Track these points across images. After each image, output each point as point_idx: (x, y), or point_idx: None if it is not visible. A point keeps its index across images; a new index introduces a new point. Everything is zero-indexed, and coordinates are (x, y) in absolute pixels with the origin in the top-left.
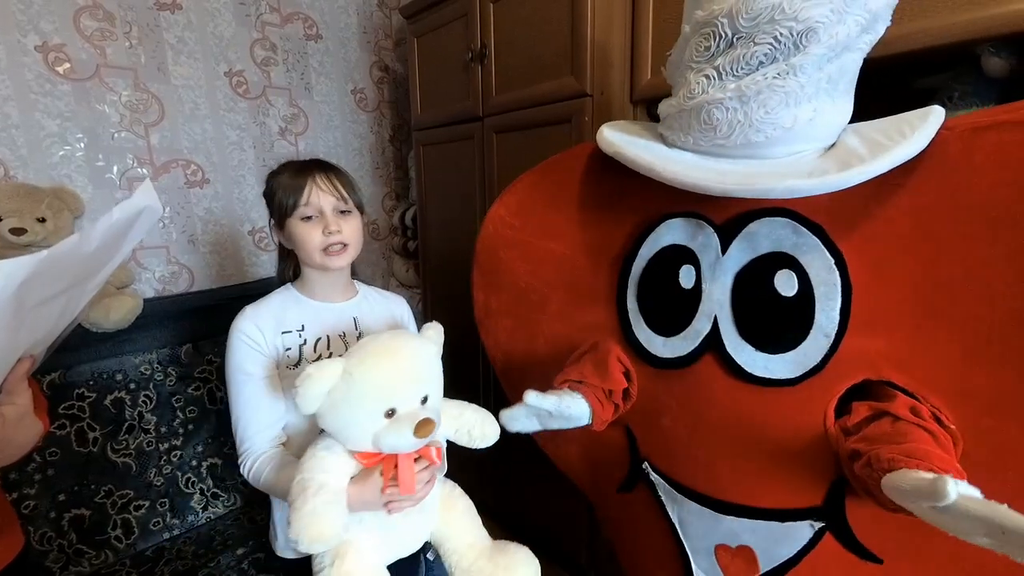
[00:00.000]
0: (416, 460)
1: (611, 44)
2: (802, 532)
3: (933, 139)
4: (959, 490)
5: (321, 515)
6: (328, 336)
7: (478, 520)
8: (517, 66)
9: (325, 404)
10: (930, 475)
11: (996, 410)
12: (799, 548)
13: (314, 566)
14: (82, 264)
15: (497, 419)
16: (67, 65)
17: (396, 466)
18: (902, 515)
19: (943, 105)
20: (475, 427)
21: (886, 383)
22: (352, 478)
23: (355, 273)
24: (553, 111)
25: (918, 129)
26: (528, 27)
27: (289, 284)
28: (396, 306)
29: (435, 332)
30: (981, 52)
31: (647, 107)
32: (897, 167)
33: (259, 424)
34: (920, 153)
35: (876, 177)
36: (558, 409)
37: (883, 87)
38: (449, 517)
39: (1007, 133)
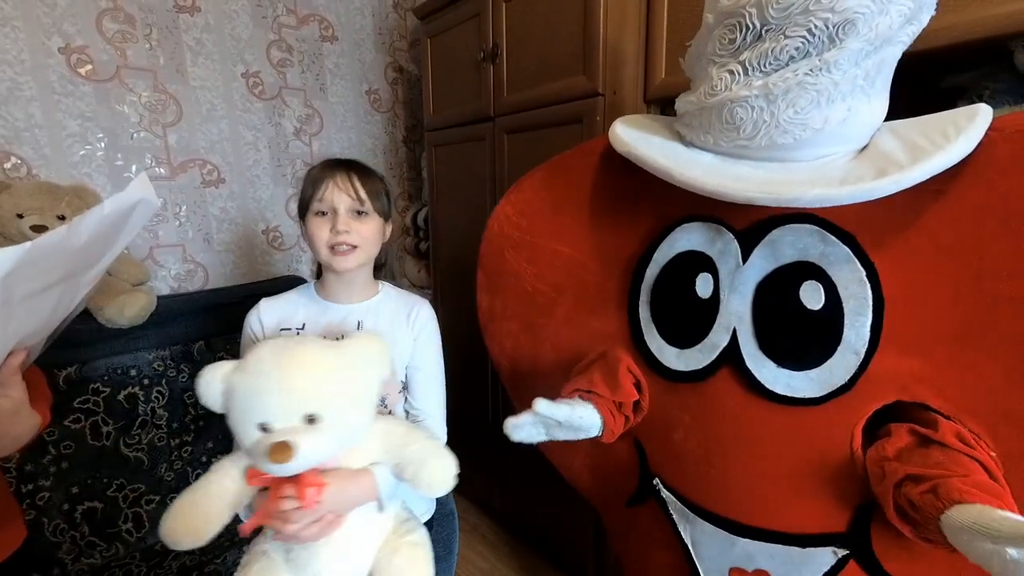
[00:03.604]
0: (285, 497)
1: (624, 43)
2: (824, 558)
3: (979, 141)
4: None
5: (180, 513)
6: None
7: (424, 571)
8: (529, 66)
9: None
10: None
11: None
12: (820, 575)
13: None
14: (74, 257)
15: (504, 428)
16: (89, 66)
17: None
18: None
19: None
20: (412, 467)
21: (920, 405)
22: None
23: (379, 272)
24: (564, 111)
25: (964, 131)
26: (540, 26)
27: (311, 282)
28: (416, 308)
29: (356, 345)
30: (1015, 48)
31: (661, 107)
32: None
33: None
34: (965, 156)
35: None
36: (569, 419)
37: (907, 86)
38: (389, 560)
39: None
